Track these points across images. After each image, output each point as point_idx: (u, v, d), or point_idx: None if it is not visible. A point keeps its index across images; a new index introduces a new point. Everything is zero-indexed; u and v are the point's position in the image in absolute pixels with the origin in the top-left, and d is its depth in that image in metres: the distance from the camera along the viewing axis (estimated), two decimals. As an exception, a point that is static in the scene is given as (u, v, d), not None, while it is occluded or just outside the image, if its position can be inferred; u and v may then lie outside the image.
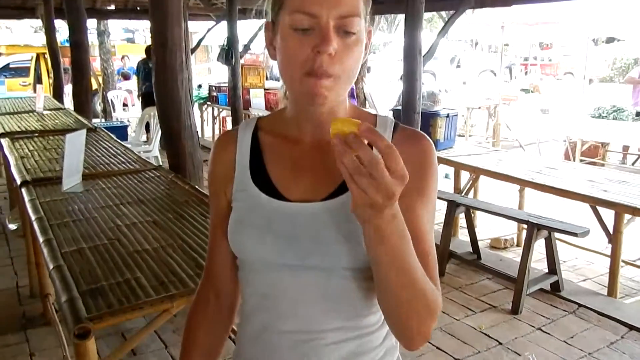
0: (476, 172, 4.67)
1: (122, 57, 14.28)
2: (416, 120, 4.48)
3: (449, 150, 5.16)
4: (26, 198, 2.62)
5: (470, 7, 5.57)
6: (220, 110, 9.59)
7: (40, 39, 12.76)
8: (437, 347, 3.08)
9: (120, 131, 7.07)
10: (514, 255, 4.48)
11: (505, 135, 9.42)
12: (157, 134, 6.36)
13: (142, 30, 20.98)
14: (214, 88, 9.57)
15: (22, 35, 18.99)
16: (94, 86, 9.47)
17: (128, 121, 9.52)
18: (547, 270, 3.82)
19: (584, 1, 6.32)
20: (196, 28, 14.17)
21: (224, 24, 7.79)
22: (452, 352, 3.05)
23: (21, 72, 12.58)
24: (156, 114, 4.26)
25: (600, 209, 3.78)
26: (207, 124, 10.41)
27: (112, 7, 9.68)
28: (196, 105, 9.59)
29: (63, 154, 2.83)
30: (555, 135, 8.34)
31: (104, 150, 3.81)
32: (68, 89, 8.14)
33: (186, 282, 1.78)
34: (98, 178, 3.03)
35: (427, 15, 5.94)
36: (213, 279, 1.06)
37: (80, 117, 5.30)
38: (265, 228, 0.90)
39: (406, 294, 0.79)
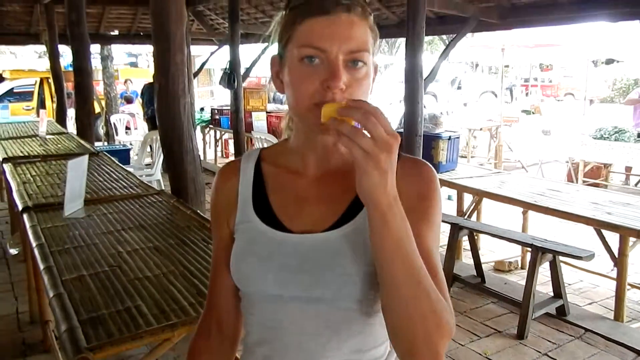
0: (479, 194, 4.66)
1: (125, 81, 14.38)
2: (418, 143, 4.48)
3: (452, 172, 5.15)
4: (27, 224, 2.60)
5: (470, 30, 5.62)
6: (223, 133, 9.63)
7: (44, 64, 12.88)
8: (442, 374, 3.02)
9: (123, 154, 7.09)
10: (519, 278, 4.44)
11: (508, 157, 9.43)
12: (159, 157, 6.37)
13: (145, 54, 21.17)
14: (216, 111, 9.62)
15: (27, 60, 19.19)
16: (97, 110, 9.52)
17: (130, 144, 9.56)
18: (552, 294, 3.78)
19: (583, 24, 6.36)
20: (199, 51, 14.31)
21: (226, 48, 7.86)
22: (457, 378, 3.00)
23: (25, 96, 12.66)
24: (158, 137, 4.27)
25: (604, 232, 3.75)
26: (209, 147, 10.45)
27: (116, 32, 9.78)
28: (198, 128, 9.63)
29: (65, 179, 2.82)
30: (557, 156, 8.34)
31: (106, 174, 3.81)
32: (71, 112, 8.19)
33: (187, 310, 1.75)
34: (100, 203, 3.03)
35: (427, 37, 5.98)
36: (215, 310, 1.05)
37: (82, 142, 5.32)
38: (267, 259, 0.89)
39: (411, 290, 0.76)
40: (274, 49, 0.91)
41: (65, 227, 2.60)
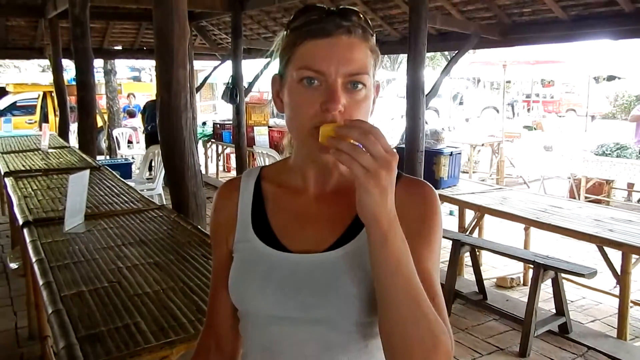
0: (481, 210, 4.64)
1: (128, 95, 14.45)
2: (419, 159, 4.48)
3: (453, 188, 5.14)
4: (27, 239, 2.60)
5: (471, 47, 5.65)
6: (225, 147, 9.65)
7: (48, 78, 12.95)
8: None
9: (125, 168, 7.09)
10: (521, 294, 4.41)
11: (509, 172, 9.42)
12: (160, 171, 6.38)
13: (148, 69, 21.29)
14: (218, 125, 9.65)
15: (30, 74, 19.30)
16: (100, 123, 9.56)
17: (132, 158, 9.57)
18: (554, 311, 3.76)
19: (584, 42, 6.40)
20: (202, 66, 14.40)
21: (229, 63, 7.91)
22: (459, 397, 2.97)
23: (28, 110, 12.73)
24: (160, 152, 4.27)
25: (606, 249, 3.73)
26: (211, 161, 10.46)
27: (119, 47, 9.85)
28: (200, 142, 9.66)
29: (66, 193, 2.82)
30: (559, 172, 8.33)
31: (108, 189, 3.81)
32: (74, 126, 8.22)
33: (186, 327, 1.74)
34: (100, 218, 3.02)
35: (429, 53, 6.00)
36: (214, 328, 1.04)
37: (84, 156, 5.32)
38: (266, 279, 0.88)
39: (410, 311, 0.75)
40: (275, 65, 0.91)
41: (66, 242, 2.59)
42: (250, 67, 9.07)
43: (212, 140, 9.90)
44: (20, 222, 2.88)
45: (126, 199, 3.51)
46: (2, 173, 4.27)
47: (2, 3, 7.19)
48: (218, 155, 10.04)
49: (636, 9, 4.44)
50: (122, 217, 3.07)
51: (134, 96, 14.06)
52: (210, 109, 21.46)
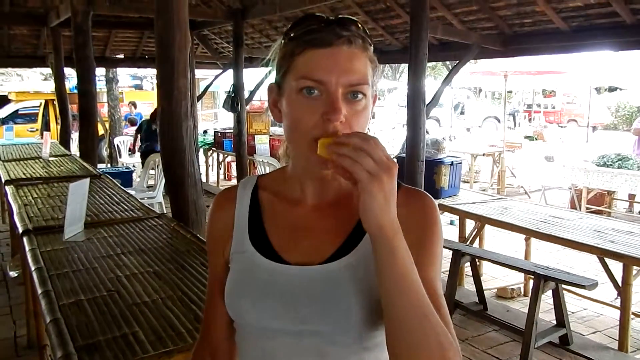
0: (481, 220, 4.63)
1: (130, 104, 14.47)
2: (420, 168, 4.48)
3: (454, 198, 5.14)
4: (27, 247, 2.59)
5: (472, 57, 5.66)
6: (225, 155, 9.66)
7: (50, 86, 13.00)
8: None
9: (126, 176, 7.09)
10: (521, 305, 4.39)
11: (510, 182, 9.41)
12: (161, 179, 6.38)
13: (150, 77, 21.34)
14: (219, 134, 9.66)
15: (32, 82, 19.36)
16: (101, 132, 9.58)
17: (133, 166, 9.58)
18: (555, 322, 3.74)
19: (585, 53, 6.42)
20: (204, 74, 14.43)
21: (230, 72, 7.94)
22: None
23: (30, 118, 12.76)
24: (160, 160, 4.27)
25: (607, 260, 3.72)
26: (212, 169, 10.47)
27: (121, 55, 9.89)
28: (201, 151, 9.67)
29: (66, 201, 2.82)
30: (560, 183, 8.33)
31: (108, 197, 3.81)
32: (75, 135, 8.24)
33: (184, 336, 1.73)
34: (100, 226, 3.01)
35: (430, 63, 6.01)
36: (209, 339, 1.03)
37: (85, 164, 5.33)
38: (262, 291, 0.87)
39: (418, 321, 0.74)
40: (272, 76, 0.91)
41: (65, 250, 2.58)
42: (251, 75, 9.11)
43: (213, 148, 9.92)
44: (20, 230, 2.87)
45: (126, 207, 3.51)
46: (3, 181, 4.27)
47: (5, 11, 7.22)
48: (219, 163, 10.04)
49: (637, 21, 4.45)
50: (122, 225, 3.07)
51: (135, 106, 14.04)
52: (211, 118, 21.48)
